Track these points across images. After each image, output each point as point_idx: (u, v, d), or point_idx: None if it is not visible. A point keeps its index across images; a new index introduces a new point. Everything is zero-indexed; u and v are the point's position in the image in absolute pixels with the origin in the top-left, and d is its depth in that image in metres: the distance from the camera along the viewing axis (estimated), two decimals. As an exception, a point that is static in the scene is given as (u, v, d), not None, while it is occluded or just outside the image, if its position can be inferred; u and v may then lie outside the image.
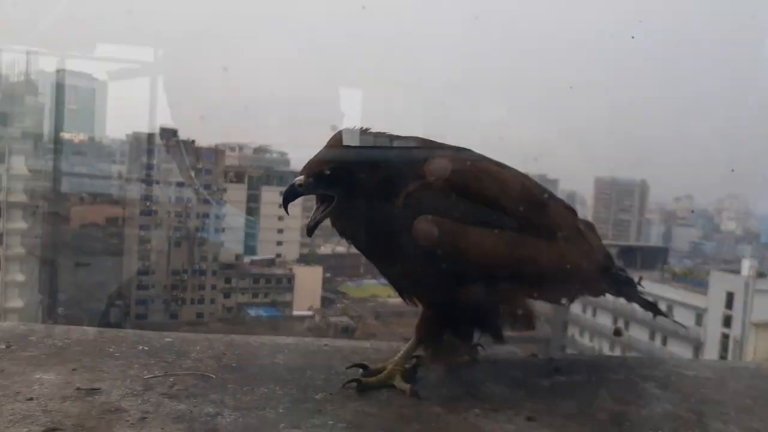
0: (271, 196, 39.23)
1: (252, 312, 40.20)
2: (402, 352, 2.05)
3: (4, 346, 1.96)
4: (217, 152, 40.97)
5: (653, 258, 45.90)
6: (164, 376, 1.85)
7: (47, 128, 35.88)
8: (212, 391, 1.78)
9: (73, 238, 40.79)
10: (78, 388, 1.70)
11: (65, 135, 33.99)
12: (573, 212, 2.26)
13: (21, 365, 1.83)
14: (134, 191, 38.39)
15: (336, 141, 1.95)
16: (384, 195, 1.87)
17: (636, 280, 2.39)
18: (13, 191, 36.73)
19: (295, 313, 38.66)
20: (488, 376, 2.19)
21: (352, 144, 1.96)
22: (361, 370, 1.98)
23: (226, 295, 38.23)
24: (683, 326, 25.75)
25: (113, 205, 40.87)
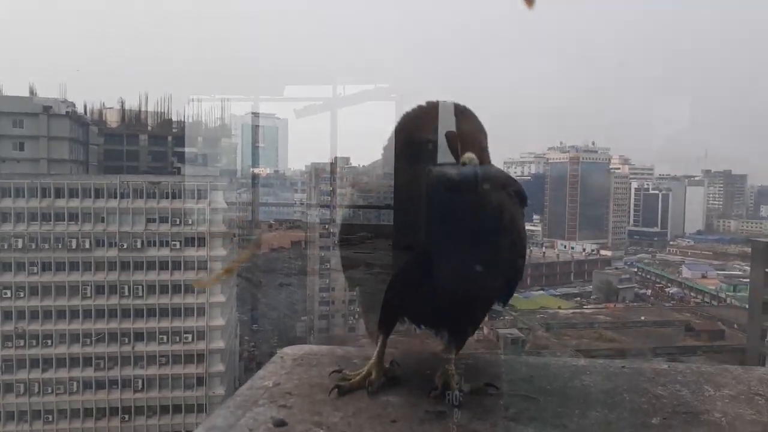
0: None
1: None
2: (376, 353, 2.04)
3: (339, 370, 2.17)
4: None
5: None
6: (494, 397, 1.93)
7: (240, 165, 40.31)
8: (547, 414, 1.83)
9: (265, 262, 44.87)
10: (427, 411, 1.83)
11: (255, 170, 37.64)
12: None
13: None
14: (314, 216, 41.50)
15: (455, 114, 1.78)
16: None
17: None
18: (214, 222, 41.40)
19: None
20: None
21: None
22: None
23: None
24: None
25: (297, 230, 44.56)
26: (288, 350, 2.39)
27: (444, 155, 1.69)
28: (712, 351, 60.94)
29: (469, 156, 1.63)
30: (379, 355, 2.06)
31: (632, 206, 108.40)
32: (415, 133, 1.76)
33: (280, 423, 1.73)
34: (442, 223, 1.70)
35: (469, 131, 1.72)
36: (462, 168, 1.63)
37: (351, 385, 1.98)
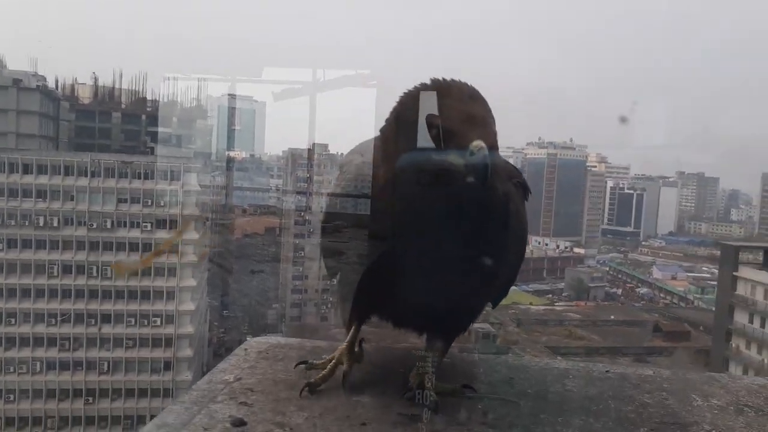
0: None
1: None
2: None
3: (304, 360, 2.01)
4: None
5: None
6: (472, 400, 1.80)
7: (215, 147, 39.71)
8: (528, 421, 1.70)
9: (238, 247, 44.40)
10: (399, 413, 1.69)
11: (231, 153, 37.09)
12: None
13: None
14: (290, 203, 41.11)
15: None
16: None
17: None
18: (186, 205, 40.80)
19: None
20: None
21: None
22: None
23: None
24: None
25: (271, 216, 44.13)
26: (253, 342, 2.23)
27: (448, 141, 1.48)
28: (678, 352, 62.20)
29: (477, 143, 1.44)
30: (350, 342, 1.90)
31: (607, 205, 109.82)
32: (416, 117, 1.55)
33: (239, 422, 1.57)
34: (444, 218, 1.52)
35: (479, 115, 1.52)
36: (470, 157, 1.44)
37: (322, 378, 1.82)
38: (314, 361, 1.90)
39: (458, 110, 1.51)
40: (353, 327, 1.92)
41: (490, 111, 1.57)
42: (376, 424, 1.62)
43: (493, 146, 1.48)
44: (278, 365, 2.01)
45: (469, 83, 1.60)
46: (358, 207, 1.78)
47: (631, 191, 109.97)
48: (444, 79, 1.59)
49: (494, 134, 1.52)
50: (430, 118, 1.51)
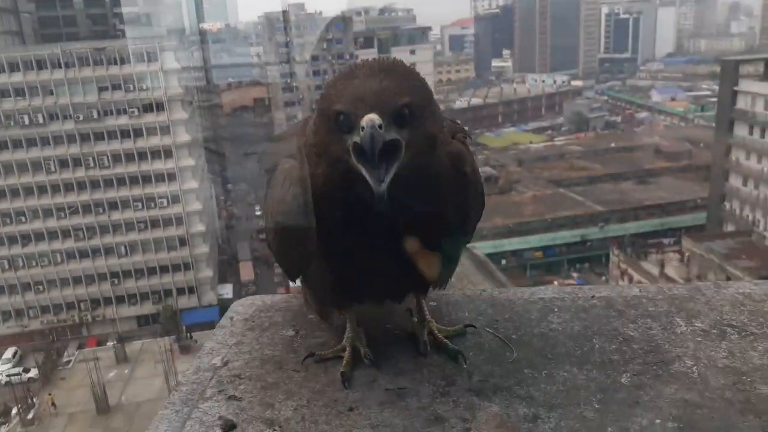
0: (401, 56, 39.30)
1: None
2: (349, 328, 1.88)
3: (293, 333, 2.02)
4: (344, 20, 40.19)
5: None
6: (457, 366, 1.81)
7: (187, 22, 37.60)
8: (512, 381, 1.72)
9: (229, 123, 43.78)
10: (386, 389, 1.71)
11: (204, 25, 35.13)
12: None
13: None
14: (274, 71, 39.72)
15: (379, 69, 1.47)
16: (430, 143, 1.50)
17: None
18: (170, 86, 39.57)
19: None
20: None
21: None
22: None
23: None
24: None
25: (257, 87, 42.83)
26: (239, 307, 2.23)
27: (345, 124, 1.42)
28: (678, 171, 63.41)
29: (368, 118, 1.34)
30: (352, 331, 1.87)
31: (603, 33, 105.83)
32: (327, 104, 1.47)
33: (230, 426, 1.59)
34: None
35: (382, 88, 1.41)
36: (359, 134, 1.36)
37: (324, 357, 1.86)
38: (321, 353, 1.87)
39: (357, 89, 1.41)
40: (345, 314, 1.88)
41: (408, 78, 1.47)
42: (363, 408, 1.64)
43: (400, 115, 1.40)
44: (265, 336, 2.01)
45: (397, 58, 1.50)
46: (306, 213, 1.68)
47: (627, 16, 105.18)
48: (364, 60, 1.51)
49: (402, 105, 1.41)
50: (327, 106, 1.45)
